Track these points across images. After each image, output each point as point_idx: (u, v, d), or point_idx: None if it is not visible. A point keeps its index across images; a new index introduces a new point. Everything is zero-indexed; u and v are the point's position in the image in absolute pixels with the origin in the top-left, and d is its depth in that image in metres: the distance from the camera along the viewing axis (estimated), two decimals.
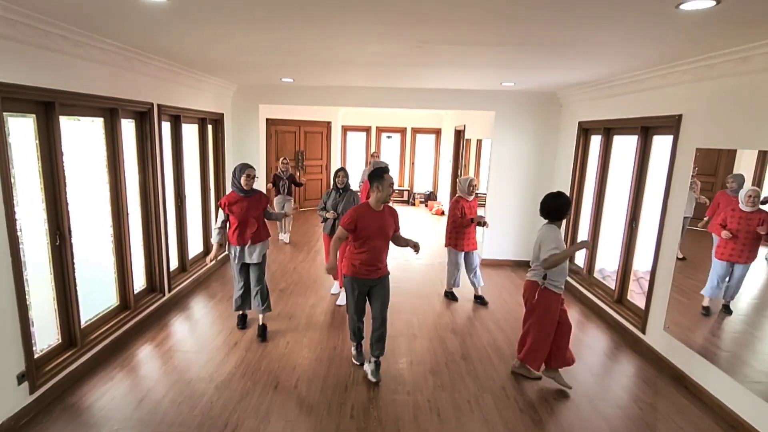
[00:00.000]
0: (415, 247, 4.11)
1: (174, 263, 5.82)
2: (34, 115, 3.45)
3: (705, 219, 3.97)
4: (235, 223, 4.56)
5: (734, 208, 3.64)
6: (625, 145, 5.49)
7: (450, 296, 6.07)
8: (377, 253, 3.95)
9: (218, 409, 3.55)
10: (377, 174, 3.88)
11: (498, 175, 7.43)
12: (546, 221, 3.91)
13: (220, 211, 4.63)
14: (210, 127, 6.78)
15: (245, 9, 2.90)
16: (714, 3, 2.46)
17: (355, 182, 8.16)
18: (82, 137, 4.15)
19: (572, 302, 6.04)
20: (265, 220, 4.74)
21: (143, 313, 4.95)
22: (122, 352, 4.38)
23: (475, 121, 9.41)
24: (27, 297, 3.32)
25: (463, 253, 5.85)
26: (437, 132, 13.84)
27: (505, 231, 7.49)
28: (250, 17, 3.09)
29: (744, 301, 3.65)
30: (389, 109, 12.41)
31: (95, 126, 4.27)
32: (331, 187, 5.75)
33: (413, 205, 13.82)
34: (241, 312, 4.99)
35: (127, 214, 4.62)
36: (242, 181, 4.50)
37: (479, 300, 5.99)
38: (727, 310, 3.75)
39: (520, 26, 3.14)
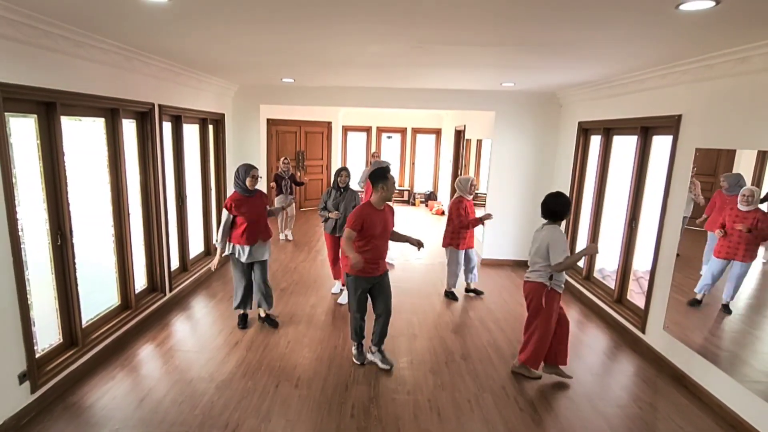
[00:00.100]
0: (418, 244, 4.22)
1: (175, 263, 5.83)
2: (35, 116, 3.46)
3: (704, 217, 3.99)
4: (243, 224, 4.61)
5: (732, 207, 3.67)
6: (624, 145, 5.50)
7: (450, 296, 6.08)
8: (380, 251, 4.06)
9: (219, 408, 3.56)
10: (381, 174, 3.94)
11: (498, 175, 7.44)
12: (546, 222, 3.92)
13: (225, 213, 4.63)
14: (211, 127, 6.79)
15: (246, 9, 2.91)
16: (713, 3, 2.46)
17: (355, 182, 8.16)
18: (83, 137, 4.16)
19: (572, 302, 6.05)
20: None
21: (144, 312, 4.96)
22: (123, 351, 4.38)
23: (475, 121, 9.41)
24: (28, 297, 3.33)
25: (464, 252, 5.87)
26: (437, 132, 13.85)
27: (505, 231, 7.50)
28: (251, 17, 3.10)
29: (744, 300, 3.65)
30: (389, 110, 12.42)
31: (96, 126, 4.28)
32: (331, 186, 5.78)
33: (413, 205, 13.83)
34: (242, 311, 5.00)
35: (128, 214, 4.63)
36: (248, 182, 4.57)
37: (474, 292, 6.14)
38: (726, 309, 3.76)
39: (520, 26, 3.15)
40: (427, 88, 7.20)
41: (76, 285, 3.87)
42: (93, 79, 3.95)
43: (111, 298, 4.62)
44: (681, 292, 4.21)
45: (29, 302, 3.34)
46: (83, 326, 4.03)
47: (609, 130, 5.74)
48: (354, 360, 4.31)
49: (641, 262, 5.05)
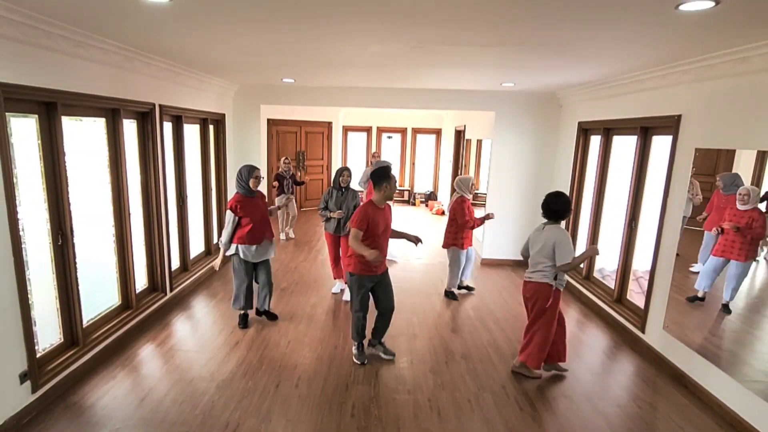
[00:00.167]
0: (416, 240, 4.35)
1: (175, 263, 5.83)
2: (36, 116, 3.46)
3: (704, 215, 4.01)
4: (249, 224, 4.65)
5: (729, 206, 3.70)
6: (624, 146, 5.50)
7: (450, 296, 6.08)
8: (383, 249, 4.14)
9: (219, 408, 3.56)
10: (384, 174, 4.02)
11: (498, 176, 7.45)
12: (547, 222, 3.93)
13: (229, 215, 4.63)
14: (211, 127, 6.80)
15: (246, 9, 2.92)
16: (713, 4, 2.47)
17: (356, 182, 8.18)
18: (84, 137, 4.16)
19: (572, 302, 6.05)
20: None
21: (145, 312, 4.97)
22: (124, 351, 4.39)
23: (476, 121, 9.42)
24: (29, 296, 3.33)
25: (466, 251, 5.89)
26: (437, 132, 13.86)
27: (505, 231, 7.50)
28: (252, 17, 3.11)
29: (743, 300, 3.66)
30: (390, 110, 12.42)
31: (97, 126, 4.28)
32: (332, 186, 5.79)
33: (414, 204, 13.84)
34: (243, 311, 5.01)
35: (129, 213, 4.64)
36: (251, 182, 4.64)
37: (466, 288, 6.25)
38: (726, 309, 3.76)
39: (520, 26, 3.15)
40: (427, 89, 7.21)
41: (77, 285, 3.88)
42: (94, 79, 3.96)
43: (112, 298, 4.63)
44: (681, 291, 4.22)
45: (30, 302, 3.35)
46: (84, 326, 4.03)
47: (609, 130, 5.75)
48: (354, 360, 4.31)
49: (641, 261, 5.05)
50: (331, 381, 4.00)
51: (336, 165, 12.21)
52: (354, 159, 13.97)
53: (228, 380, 3.95)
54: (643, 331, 4.71)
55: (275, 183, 8.57)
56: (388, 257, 4.30)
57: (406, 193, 14.16)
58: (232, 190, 7.26)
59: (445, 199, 12.34)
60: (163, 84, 5.19)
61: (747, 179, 3.56)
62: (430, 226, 10.74)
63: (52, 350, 3.74)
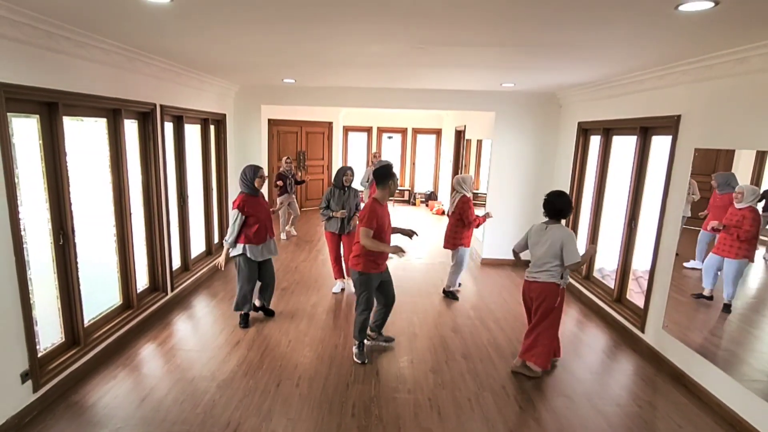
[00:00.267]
0: (410, 233, 4.49)
1: (176, 263, 5.85)
2: (37, 116, 3.47)
3: (705, 213, 4.03)
4: (256, 223, 4.69)
5: (722, 205, 3.77)
6: (624, 146, 5.51)
7: (451, 296, 6.09)
8: (388, 245, 4.23)
9: (220, 407, 3.57)
10: (388, 172, 4.14)
11: (498, 176, 7.46)
12: (549, 221, 3.95)
13: (235, 215, 4.63)
14: (212, 127, 6.81)
15: (247, 10, 2.93)
16: (713, 4, 2.48)
17: (357, 182, 8.23)
18: (85, 137, 4.18)
19: (572, 301, 6.06)
20: None
21: (146, 312, 4.98)
22: (125, 350, 4.40)
23: (476, 121, 9.43)
24: (30, 296, 3.34)
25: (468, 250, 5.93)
26: (438, 132, 13.87)
27: (505, 231, 7.50)
28: (252, 18, 3.12)
29: (743, 299, 3.66)
30: (390, 110, 12.43)
31: (98, 126, 4.30)
32: (334, 185, 5.81)
33: (414, 204, 13.85)
34: (244, 311, 5.02)
35: (130, 213, 4.65)
36: (256, 182, 4.70)
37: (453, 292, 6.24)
38: (726, 309, 3.77)
39: (520, 27, 3.16)
40: (427, 89, 7.22)
41: (78, 284, 3.89)
42: (95, 80, 3.97)
43: (113, 298, 4.64)
44: (679, 290, 4.23)
45: (31, 301, 3.36)
46: (85, 325, 4.04)
47: (608, 130, 5.76)
48: (355, 359, 4.33)
49: (641, 261, 5.07)
50: (332, 380, 4.01)
51: (336, 165, 12.23)
52: (354, 159, 13.97)
53: (229, 379, 3.96)
54: (642, 331, 4.72)
55: (280, 182, 8.58)
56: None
57: (406, 193, 14.17)
58: (233, 190, 7.29)
59: (445, 199, 12.35)
60: (164, 84, 5.20)
61: (746, 179, 3.57)
62: (431, 226, 10.75)
63: (53, 350, 3.75)
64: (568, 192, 6.48)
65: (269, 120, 10.55)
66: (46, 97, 3.42)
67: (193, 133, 6.31)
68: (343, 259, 6.21)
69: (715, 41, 3.34)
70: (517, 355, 4.33)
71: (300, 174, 10.93)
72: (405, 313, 5.51)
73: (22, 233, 3.22)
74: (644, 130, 5.00)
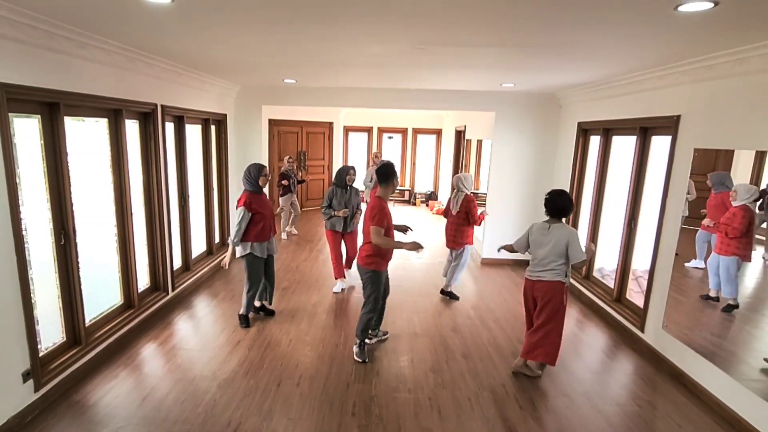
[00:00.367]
0: (405, 229, 4.63)
1: (177, 262, 5.86)
2: (39, 116, 3.49)
3: (704, 212, 4.05)
4: (261, 221, 4.72)
5: (723, 204, 3.80)
6: (624, 146, 5.52)
7: (452, 296, 6.09)
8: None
9: (221, 406, 3.58)
10: (392, 171, 4.25)
11: (498, 176, 7.47)
12: (551, 219, 3.96)
13: (241, 212, 4.61)
14: (213, 127, 6.83)
15: (248, 10, 2.94)
16: (712, 5, 2.48)
17: (360, 182, 8.27)
18: (86, 138, 4.19)
19: (572, 301, 6.06)
20: None
21: (147, 311, 4.99)
22: (126, 350, 4.41)
23: (476, 121, 9.44)
24: (32, 295, 3.36)
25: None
26: (438, 132, 13.88)
27: (505, 231, 7.49)
28: (253, 18, 3.13)
29: (742, 299, 3.67)
30: (391, 110, 12.44)
31: (99, 126, 4.31)
32: (336, 185, 5.84)
33: (414, 204, 13.86)
34: (249, 311, 5.04)
35: (131, 213, 4.66)
36: (261, 180, 4.73)
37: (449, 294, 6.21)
38: (728, 309, 3.78)
39: (520, 28, 3.17)
40: (427, 89, 7.23)
41: (80, 284, 3.90)
42: (96, 80, 3.98)
43: (114, 297, 4.66)
44: (679, 290, 4.23)
45: (33, 301, 3.37)
46: (86, 325, 4.06)
47: (608, 130, 5.77)
48: (356, 358, 4.34)
49: (640, 261, 5.07)
50: (332, 380, 4.02)
51: (337, 165, 12.23)
52: (355, 159, 13.99)
53: (229, 379, 3.97)
54: (642, 330, 4.73)
55: (284, 182, 8.61)
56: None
57: (406, 193, 14.18)
58: (233, 190, 7.30)
59: (445, 199, 12.34)
60: (165, 84, 5.21)
61: (746, 179, 3.58)
62: (431, 225, 10.76)
63: (54, 349, 3.76)
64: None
65: (270, 120, 10.57)
66: (48, 97, 3.43)
67: (194, 133, 6.32)
68: (345, 257, 6.23)
69: (714, 42, 3.35)
70: (518, 354, 4.34)
71: (300, 174, 10.95)
72: (405, 312, 5.52)
73: (24, 233, 3.23)
74: (644, 130, 5.01)
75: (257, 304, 5.26)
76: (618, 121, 5.38)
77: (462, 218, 5.75)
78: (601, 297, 5.62)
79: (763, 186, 3.45)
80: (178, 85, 5.50)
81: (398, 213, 11.71)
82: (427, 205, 13.56)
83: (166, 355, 4.38)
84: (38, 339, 3.47)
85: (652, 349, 4.54)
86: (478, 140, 9.55)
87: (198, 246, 6.55)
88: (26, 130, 3.41)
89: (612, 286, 5.51)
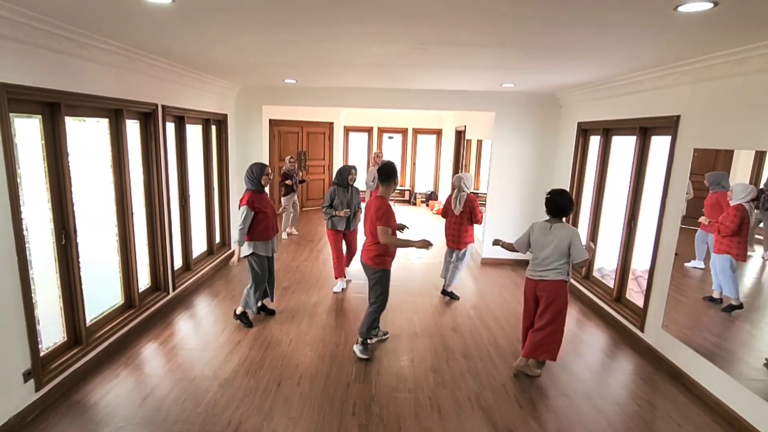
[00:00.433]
0: (401, 227, 4.66)
1: (178, 262, 5.86)
2: (39, 116, 3.49)
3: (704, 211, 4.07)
4: (264, 220, 4.73)
5: (718, 203, 3.84)
6: (623, 146, 5.52)
7: (452, 296, 6.09)
8: None
9: (222, 406, 3.59)
10: (394, 170, 4.31)
11: (498, 176, 7.48)
12: (552, 219, 3.96)
13: (244, 211, 4.61)
14: (214, 127, 6.84)
15: (248, 10, 2.95)
16: (712, 5, 2.49)
17: (362, 182, 8.30)
18: (87, 138, 4.19)
19: (571, 301, 6.06)
20: None
21: (148, 311, 5.00)
22: (127, 349, 4.42)
23: (476, 121, 9.45)
24: (33, 295, 3.36)
25: None
26: (438, 132, 13.88)
27: (505, 231, 7.48)
28: (253, 18, 3.14)
29: (742, 299, 3.67)
30: (391, 110, 12.45)
31: (100, 126, 4.31)
32: (337, 184, 5.84)
33: (414, 204, 13.87)
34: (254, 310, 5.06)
35: (132, 213, 4.67)
36: (263, 179, 4.74)
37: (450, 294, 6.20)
38: (729, 308, 3.78)
39: (520, 28, 3.18)
40: (428, 89, 7.23)
41: (80, 284, 3.91)
42: (97, 80, 3.99)
43: (115, 297, 4.66)
44: (679, 291, 4.24)
45: (34, 301, 3.38)
46: (87, 325, 4.06)
47: (608, 130, 5.77)
48: (360, 355, 4.36)
49: (640, 261, 5.08)
50: (333, 379, 4.03)
51: (337, 165, 12.24)
52: (355, 159, 14.00)
53: (230, 379, 3.98)
54: (642, 330, 4.74)
55: (289, 182, 8.63)
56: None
57: (407, 193, 14.19)
58: (234, 190, 7.31)
59: (445, 199, 12.34)
60: (166, 85, 5.22)
61: (745, 179, 3.59)
62: (431, 225, 10.76)
63: (55, 349, 3.76)
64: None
65: (270, 120, 10.58)
66: (48, 97, 3.43)
67: (194, 133, 6.32)
68: (347, 255, 6.23)
69: (714, 42, 3.35)
70: (518, 354, 4.34)
71: (301, 174, 10.97)
72: (405, 312, 5.52)
73: (25, 233, 3.24)
74: (644, 130, 5.02)
75: (258, 303, 5.26)
76: (618, 121, 5.39)
77: (465, 218, 5.76)
78: (601, 297, 5.62)
79: (761, 186, 3.46)
80: (178, 85, 5.51)
81: (398, 213, 11.70)
82: (427, 205, 13.57)
83: (167, 354, 4.39)
84: (39, 339, 3.47)
85: (652, 348, 4.55)
86: (478, 140, 9.56)
87: (199, 246, 6.56)
88: (27, 130, 3.42)
89: (612, 286, 5.52)
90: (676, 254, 4.27)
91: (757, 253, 3.57)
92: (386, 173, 4.26)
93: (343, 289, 6.20)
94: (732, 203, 3.66)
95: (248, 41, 3.87)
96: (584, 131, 6.36)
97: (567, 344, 4.72)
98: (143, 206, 5.04)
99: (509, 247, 4.30)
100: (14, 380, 3.25)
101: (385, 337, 4.80)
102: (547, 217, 4.02)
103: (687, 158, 4.16)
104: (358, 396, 3.80)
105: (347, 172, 5.83)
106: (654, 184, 4.82)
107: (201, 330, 5.03)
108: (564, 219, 4.02)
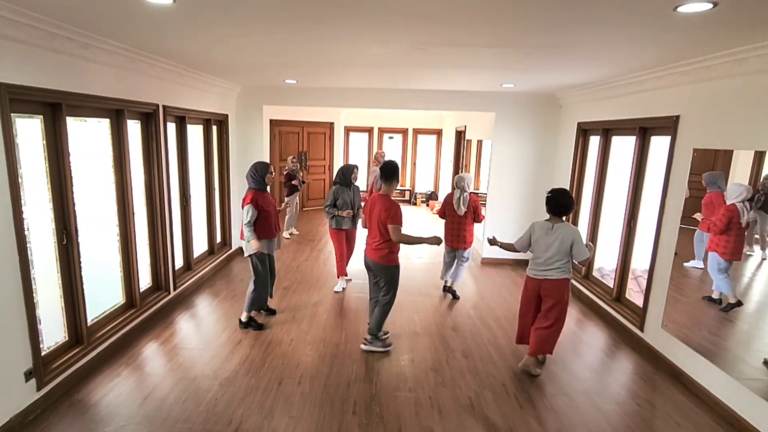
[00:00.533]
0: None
1: (179, 262, 5.88)
2: (41, 116, 3.50)
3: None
4: (269, 218, 4.76)
5: (714, 203, 3.87)
6: (623, 146, 5.53)
7: (454, 294, 6.11)
8: None
9: (222, 405, 3.60)
10: (397, 169, 4.38)
11: (498, 176, 7.49)
12: (553, 218, 3.97)
13: (248, 210, 4.58)
14: (214, 127, 6.85)
15: (249, 11, 2.96)
16: (711, 5, 2.50)
17: (361, 182, 8.30)
18: (88, 138, 4.20)
19: (571, 300, 6.06)
20: None
21: (149, 311, 5.01)
22: (128, 349, 4.43)
23: (476, 122, 9.45)
24: (34, 295, 3.37)
25: None
26: (438, 133, 13.89)
27: (505, 231, 7.48)
28: (254, 19, 3.15)
29: (741, 298, 3.68)
30: (391, 110, 12.46)
31: (101, 127, 4.32)
32: (340, 183, 5.84)
33: (415, 204, 13.88)
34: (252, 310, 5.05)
35: (133, 213, 4.68)
36: (267, 178, 4.75)
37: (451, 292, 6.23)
38: (728, 308, 3.79)
39: (520, 28, 3.19)
40: (428, 89, 7.24)
41: (82, 283, 3.92)
42: (98, 81, 4.00)
43: (116, 297, 4.67)
44: (679, 290, 4.25)
45: (35, 300, 3.38)
46: (88, 324, 4.07)
47: (608, 130, 5.78)
48: (377, 349, 4.49)
49: (640, 260, 5.09)
50: (333, 379, 4.04)
51: (338, 165, 12.24)
52: (355, 159, 14.01)
53: (231, 378, 3.99)
54: (641, 330, 4.74)
55: (295, 182, 8.66)
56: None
57: (407, 193, 14.20)
58: (235, 190, 7.33)
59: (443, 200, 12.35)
60: (167, 85, 5.23)
61: (745, 179, 3.59)
62: (432, 225, 10.77)
63: (56, 348, 3.77)
64: None
65: (271, 120, 10.59)
66: (50, 97, 3.44)
67: (195, 133, 6.33)
68: (347, 254, 6.24)
69: (713, 42, 3.36)
70: (518, 353, 4.35)
71: (302, 174, 10.99)
72: (406, 311, 5.53)
73: (26, 233, 3.25)
74: (643, 130, 5.02)
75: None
76: (618, 121, 5.39)
77: (468, 218, 5.77)
78: (601, 296, 5.63)
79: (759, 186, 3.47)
80: (179, 85, 5.52)
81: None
82: (427, 205, 13.58)
83: (168, 354, 4.40)
84: (40, 338, 3.48)
85: (652, 348, 4.55)
86: (478, 140, 9.57)
87: (199, 246, 6.58)
88: (28, 131, 3.43)
89: (611, 286, 5.53)
90: (675, 254, 4.28)
91: (756, 253, 3.57)
92: (389, 172, 4.31)
93: (343, 288, 6.21)
94: (727, 203, 3.67)
95: (249, 41, 3.88)
96: (584, 131, 6.37)
97: (567, 344, 4.74)
98: (144, 206, 5.05)
99: (508, 248, 4.30)
100: (16, 380, 3.26)
101: (386, 336, 4.81)
102: (548, 217, 4.03)
103: (686, 158, 4.17)
104: (358, 395, 3.81)
105: (350, 171, 5.85)
106: (654, 184, 4.83)
107: (202, 329, 5.04)
108: (564, 218, 4.03)
